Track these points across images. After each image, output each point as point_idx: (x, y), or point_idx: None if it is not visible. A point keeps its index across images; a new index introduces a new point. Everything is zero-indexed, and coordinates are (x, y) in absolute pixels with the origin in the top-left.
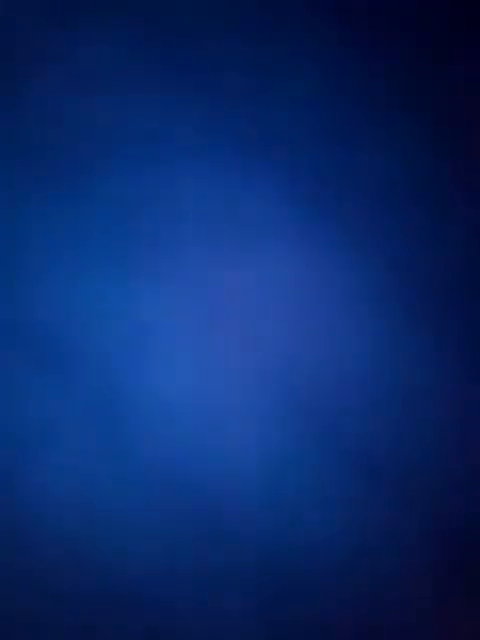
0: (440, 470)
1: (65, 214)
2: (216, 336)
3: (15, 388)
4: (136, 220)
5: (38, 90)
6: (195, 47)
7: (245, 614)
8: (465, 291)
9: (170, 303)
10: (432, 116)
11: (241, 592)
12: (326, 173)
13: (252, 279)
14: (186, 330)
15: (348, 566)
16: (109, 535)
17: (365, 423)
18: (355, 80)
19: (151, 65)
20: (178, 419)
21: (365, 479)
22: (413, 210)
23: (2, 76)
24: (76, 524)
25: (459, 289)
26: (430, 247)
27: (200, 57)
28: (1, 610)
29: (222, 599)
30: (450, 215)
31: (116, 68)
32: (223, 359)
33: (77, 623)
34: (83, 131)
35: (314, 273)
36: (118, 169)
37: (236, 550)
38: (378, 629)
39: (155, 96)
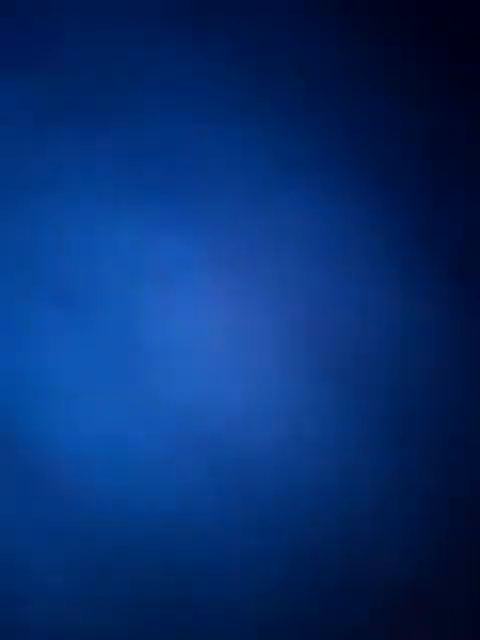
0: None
1: (80, 155)
2: (237, 283)
3: (34, 333)
4: (158, 164)
5: (57, 27)
6: None
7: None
8: None
9: (191, 249)
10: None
11: (260, 540)
12: (357, 123)
13: (272, 228)
14: (206, 276)
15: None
16: (130, 482)
17: (386, 380)
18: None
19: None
20: (198, 366)
21: (387, 436)
22: (441, 174)
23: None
24: (94, 470)
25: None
26: (452, 209)
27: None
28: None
29: (241, 553)
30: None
31: None
32: (248, 307)
33: (89, 567)
34: (104, 77)
35: (334, 227)
36: (135, 114)
37: (256, 496)
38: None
39: (164, 46)
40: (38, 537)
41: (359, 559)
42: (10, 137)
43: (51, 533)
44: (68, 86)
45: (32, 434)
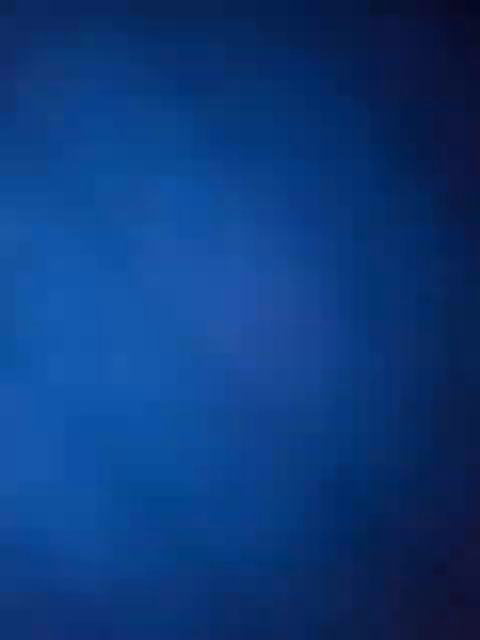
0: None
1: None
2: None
3: None
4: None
5: (32, 82)
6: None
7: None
8: (418, 265)
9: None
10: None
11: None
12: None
13: (208, 265)
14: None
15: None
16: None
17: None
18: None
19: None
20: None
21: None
22: (366, 183)
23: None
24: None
25: (411, 265)
26: (381, 219)
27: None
28: None
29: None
30: (406, 186)
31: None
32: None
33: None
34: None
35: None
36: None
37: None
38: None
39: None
40: None
41: None
42: None
43: None
44: None
45: None
